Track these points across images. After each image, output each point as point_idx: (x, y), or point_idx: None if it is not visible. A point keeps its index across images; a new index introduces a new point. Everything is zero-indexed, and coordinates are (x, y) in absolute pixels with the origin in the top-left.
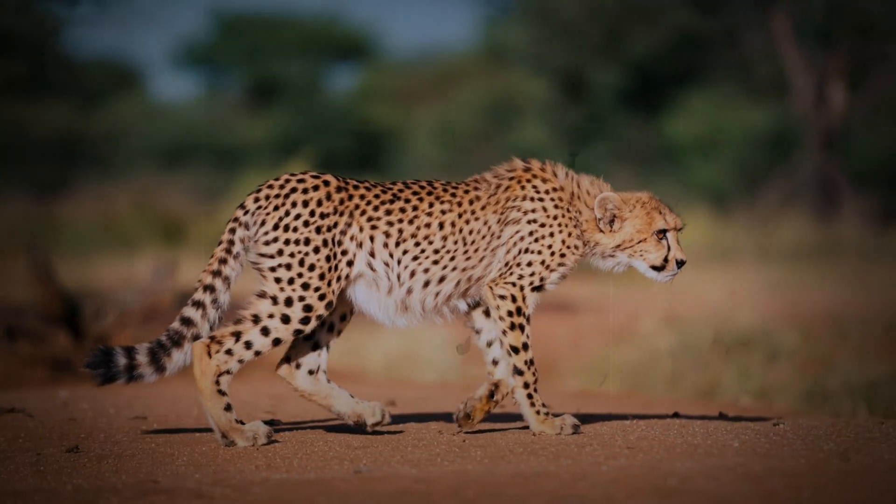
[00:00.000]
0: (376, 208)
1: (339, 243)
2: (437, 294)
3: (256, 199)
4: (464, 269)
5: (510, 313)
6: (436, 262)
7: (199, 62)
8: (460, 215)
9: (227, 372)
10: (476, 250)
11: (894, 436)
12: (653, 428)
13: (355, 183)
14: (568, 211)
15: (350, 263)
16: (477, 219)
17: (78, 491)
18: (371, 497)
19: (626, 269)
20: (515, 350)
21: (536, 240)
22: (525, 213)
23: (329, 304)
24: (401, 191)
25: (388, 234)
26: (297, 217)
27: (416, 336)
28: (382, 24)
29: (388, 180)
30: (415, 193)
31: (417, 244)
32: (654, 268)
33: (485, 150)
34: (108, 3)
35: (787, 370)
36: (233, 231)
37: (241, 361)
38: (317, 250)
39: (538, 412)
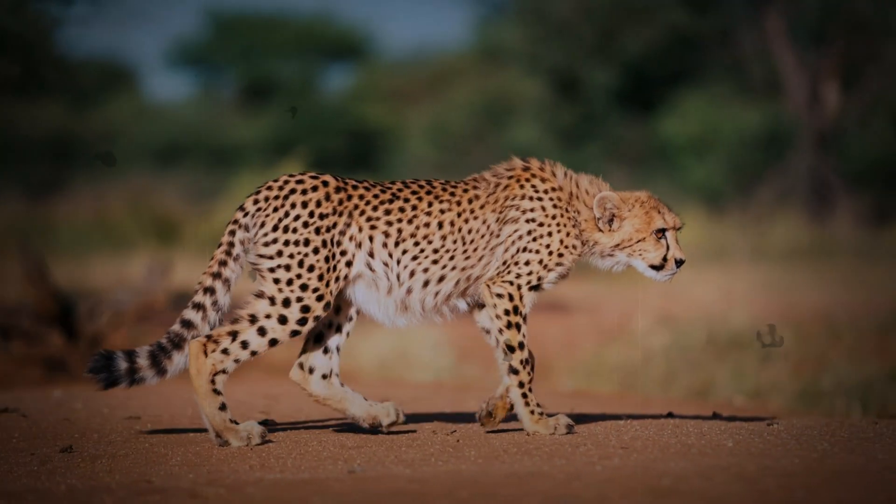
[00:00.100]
0: (375, 208)
1: (338, 244)
2: (437, 294)
3: (256, 201)
4: (463, 269)
5: (507, 312)
6: (435, 262)
7: (193, 62)
8: (459, 214)
9: (223, 371)
10: (475, 249)
11: (888, 435)
12: (647, 428)
13: (354, 183)
14: (566, 211)
15: (349, 264)
16: (476, 218)
17: (72, 491)
18: (365, 497)
19: (625, 269)
20: (511, 349)
21: (535, 239)
22: (524, 212)
23: (327, 305)
24: (400, 190)
25: (387, 234)
26: (297, 218)
27: (409, 336)
28: (376, 23)
29: (382, 180)
30: (414, 193)
31: (417, 244)
32: (654, 267)
33: (479, 150)
34: (103, 2)
35: (781, 370)
36: (232, 233)
37: (237, 361)
38: (316, 251)
39: (532, 412)
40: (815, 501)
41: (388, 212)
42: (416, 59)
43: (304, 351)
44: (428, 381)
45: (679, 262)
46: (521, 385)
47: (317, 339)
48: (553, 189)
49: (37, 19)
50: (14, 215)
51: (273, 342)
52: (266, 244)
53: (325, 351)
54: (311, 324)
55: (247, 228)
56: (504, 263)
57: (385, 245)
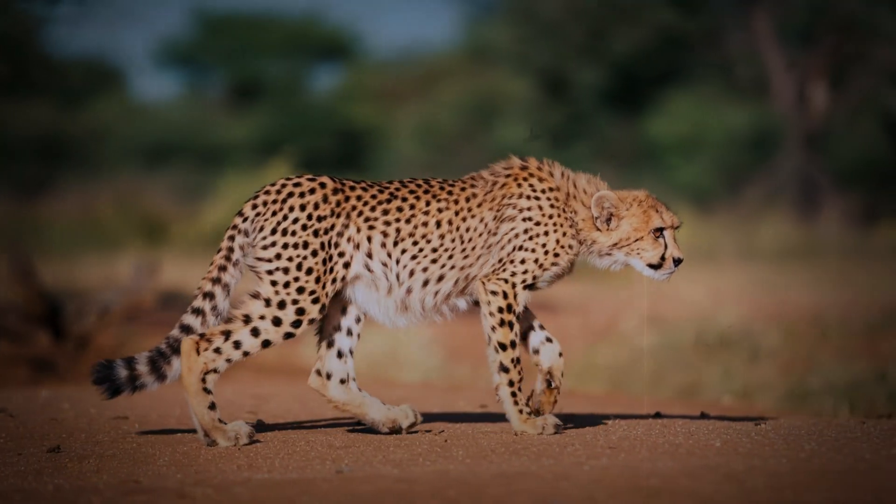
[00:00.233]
0: (373, 209)
1: (336, 245)
2: (437, 293)
3: (254, 206)
4: (462, 268)
5: (500, 310)
6: (434, 261)
7: (181, 62)
8: (457, 213)
9: (215, 371)
10: (473, 248)
11: (876, 435)
12: (635, 428)
13: (352, 184)
14: (563, 211)
15: (347, 265)
16: (474, 216)
17: (59, 491)
18: (353, 497)
19: (623, 268)
20: (503, 347)
21: (531, 238)
22: (521, 210)
23: (322, 308)
24: (398, 190)
25: (385, 234)
26: (295, 221)
27: (399, 336)
28: (364, 23)
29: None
30: (412, 192)
31: (416, 243)
32: (651, 266)
33: (467, 150)
34: (90, 2)
35: (769, 370)
36: (232, 238)
37: (228, 361)
38: (314, 254)
39: (521, 411)
40: (803, 501)
41: (386, 212)
42: (404, 59)
43: (320, 357)
44: (417, 382)
45: (677, 261)
46: (510, 384)
47: (329, 344)
48: (551, 189)
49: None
50: (1, 215)
51: (266, 343)
52: (265, 247)
53: (340, 355)
54: (305, 326)
55: (246, 233)
56: (500, 261)
57: (384, 245)
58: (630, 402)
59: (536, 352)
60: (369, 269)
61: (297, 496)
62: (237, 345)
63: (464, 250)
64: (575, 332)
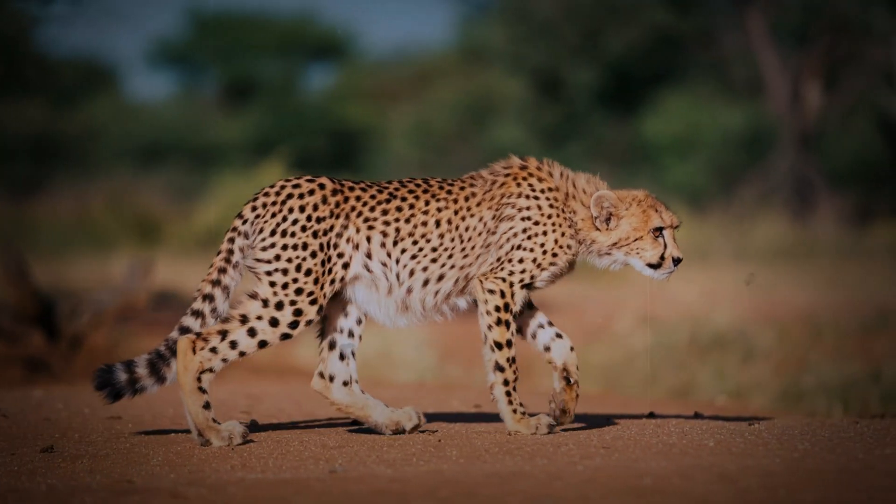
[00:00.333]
0: (373, 209)
1: (335, 246)
2: (437, 292)
3: (254, 208)
4: (462, 267)
5: (497, 308)
6: (434, 260)
7: (174, 61)
8: (456, 212)
9: (210, 370)
10: (473, 247)
11: (869, 435)
12: (628, 427)
13: (351, 185)
14: (562, 211)
15: (346, 266)
16: (473, 216)
17: (52, 491)
18: (346, 497)
19: (622, 267)
20: (499, 346)
21: (530, 237)
22: (520, 210)
23: (320, 309)
24: (397, 190)
25: (385, 234)
26: (295, 222)
27: (392, 336)
28: (358, 23)
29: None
30: (411, 192)
31: (415, 242)
32: (651, 265)
33: (461, 150)
34: (84, 1)
35: (763, 370)
36: (232, 241)
37: (224, 360)
38: (314, 255)
39: (515, 410)
40: (796, 501)
41: (385, 212)
42: (398, 59)
43: (322, 360)
44: (411, 381)
45: (676, 261)
46: (505, 383)
47: (331, 347)
48: (550, 189)
49: (17, 18)
50: None
51: (263, 344)
52: (264, 248)
53: (342, 357)
54: (302, 328)
55: (246, 236)
56: (498, 260)
57: (383, 245)
58: (624, 402)
59: (547, 349)
60: (368, 270)
61: (291, 496)
62: (233, 345)
63: (463, 249)
64: (569, 331)
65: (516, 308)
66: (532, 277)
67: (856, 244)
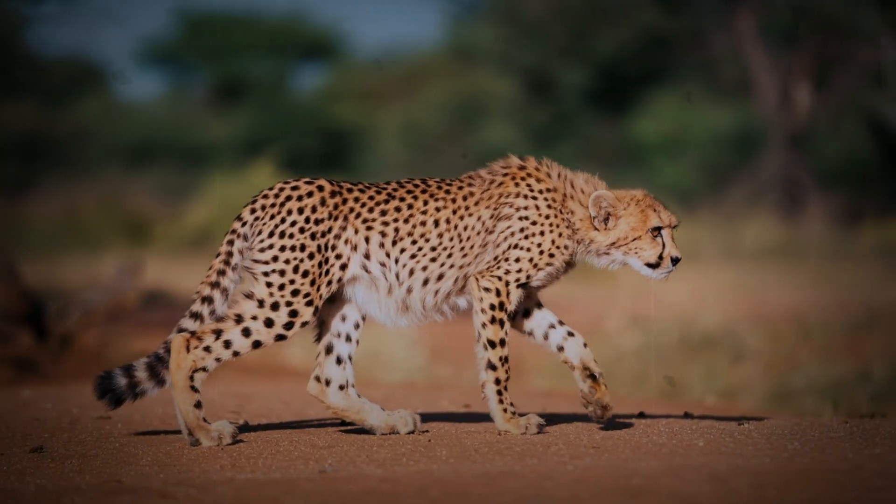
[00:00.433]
0: (371, 210)
1: (333, 248)
2: (437, 292)
3: (253, 210)
4: (461, 266)
5: (493, 307)
6: (433, 260)
7: (164, 61)
8: (455, 212)
9: (203, 369)
10: (472, 247)
11: (858, 435)
12: (618, 427)
13: (349, 186)
14: (560, 212)
15: (343, 267)
16: (471, 215)
17: (41, 491)
18: (336, 497)
19: (621, 267)
20: (492, 344)
21: (527, 237)
22: (517, 209)
23: (315, 310)
24: (395, 190)
25: (384, 234)
26: (293, 224)
27: (382, 336)
28: (348, 23)
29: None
30: (409, 192)
31: (414, 242)
32: (649, 265)
33: (451, 150)
34: (73, 1)
35: (753, 370)
36: (231, 243)
37: (218, 360)
38: (311, 256)
39: (505, 410)
40: (786, 500)
41: (384, 212)
42: (388, 59)
43: (319, 364)
44: (400, 381)
45: (675, 260)
46: (497, 382)
47: (328, 351)
48: (548, 189)
49: (7, 18)
50: None
51: (257, 344)
52: (262, 249)
53: (339, 361)
54: (297, 329)
55: (245, 238)
56: (495, 258)
57: (382, 245)
58: (614, 402)
59: (561, 349)
60: (367, 270)
61: (281, 496)
62: (227, 344)
63: (462, 249)
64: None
65: (511, 307)
66: (528, 277)
67: (845, 244)
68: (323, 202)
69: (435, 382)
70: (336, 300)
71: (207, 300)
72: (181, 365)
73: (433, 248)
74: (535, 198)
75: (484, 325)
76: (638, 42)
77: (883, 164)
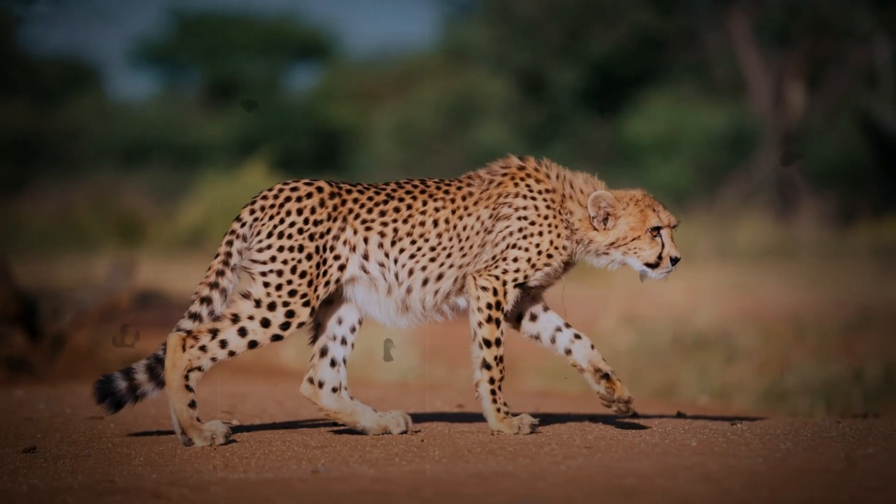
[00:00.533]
0: (370, 210)
1: (332, 248)
2: (437, 292)
3: (252, 211)
4: (461, 266)
5: (489, 306)
6: (433, 260)
7: (158, 61)
8: (454, 212)
9: (199, 368)
10: (471, 246)
11: (851, 435)
12: (611, 427)
13: (348, 187)
14: (559, 213)
15: (342, 268)
16: (470, 214)
17: (33, 491)
18: (329, 496)
19: (620, 267)
20: (488, 344)
21: (525, 237)
22: (516, 209)
23: (312, 311)
24: (394, 191)
25: (382, 235)
26: (292, 224)
27: (375, 336)
28: (341, 23)
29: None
30: (408, 192)
31: (413, 242)
32: (649, 265)
33: (445, 150)
34: (66, 1)
35: (746, 369)
36: (230, 243)
37: (213, 360)
38: (309, 257)
39: (499, 409)
40: (779, 500)
41: (383, 213)
42: (381, 59)
43: (312, 366)
44: (394, 381)
45: (674, 260)
46: (491, 381)
47: (323, 353)
48: (547, 190)
49: None
50: None
51: (253, 344)
52: (260, 250)
53: (333, 364)
54: (293, 329)
55: (245, 238)
56: (493, 258)
57: (381, 245)
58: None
59: (569, 352)
60: (366, 271)
61: (274, 496)
62: (223, 344)
63: (461, 248)
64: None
65: (508, 307)
66: (526, 277)
67: (838, 244)
68: (322, 203)
69: (428, 382)
70: (334, 302)
71: (206, 301)
72: (176, 364)
73: (432, 249)
74: (533, 198)
75: (480, 324)
76: (632, 42)
77: (876, 164)
